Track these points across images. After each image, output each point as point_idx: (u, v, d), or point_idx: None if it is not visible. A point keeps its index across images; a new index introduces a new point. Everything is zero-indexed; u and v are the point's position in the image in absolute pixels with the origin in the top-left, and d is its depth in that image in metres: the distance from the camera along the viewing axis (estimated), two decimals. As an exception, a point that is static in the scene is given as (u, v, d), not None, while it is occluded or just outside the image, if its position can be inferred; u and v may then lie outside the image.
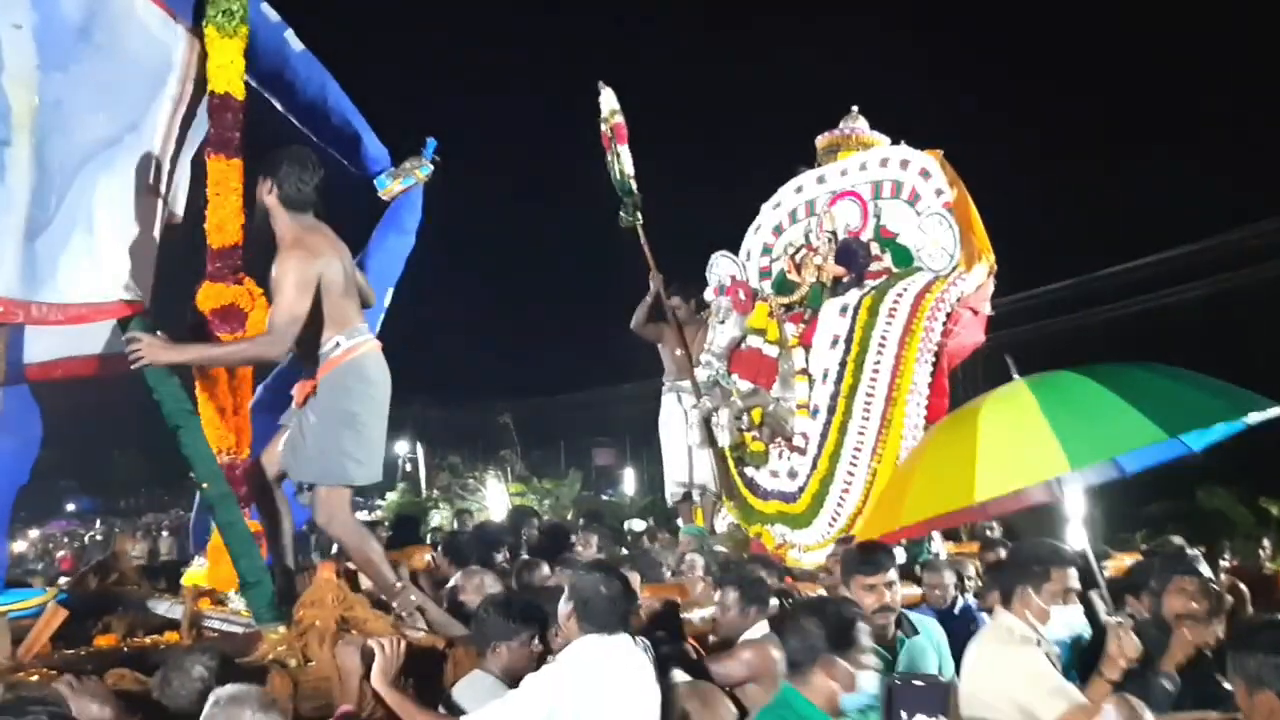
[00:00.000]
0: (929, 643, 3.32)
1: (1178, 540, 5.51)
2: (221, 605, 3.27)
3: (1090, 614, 3.13)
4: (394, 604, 3.08)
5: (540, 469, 18.26)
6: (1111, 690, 2.58)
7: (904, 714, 1.96)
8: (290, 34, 3.71)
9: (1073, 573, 2.76)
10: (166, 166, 3.39)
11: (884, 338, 5.19)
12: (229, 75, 3.35)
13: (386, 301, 4.11)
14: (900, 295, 5.23)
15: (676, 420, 6.25)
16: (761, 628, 3.32)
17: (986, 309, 5.46)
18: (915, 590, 4.24)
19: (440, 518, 15.04)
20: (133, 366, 3.01)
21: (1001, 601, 2.85)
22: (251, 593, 2.99)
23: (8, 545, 3.61)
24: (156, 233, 3.36)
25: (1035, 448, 2.62)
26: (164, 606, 3.38)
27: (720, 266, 6.16)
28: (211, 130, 3.39)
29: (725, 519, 5.98)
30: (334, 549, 4.92)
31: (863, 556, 3.15)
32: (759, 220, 6.18)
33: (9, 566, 3.59)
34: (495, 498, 15.28)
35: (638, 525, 7.68)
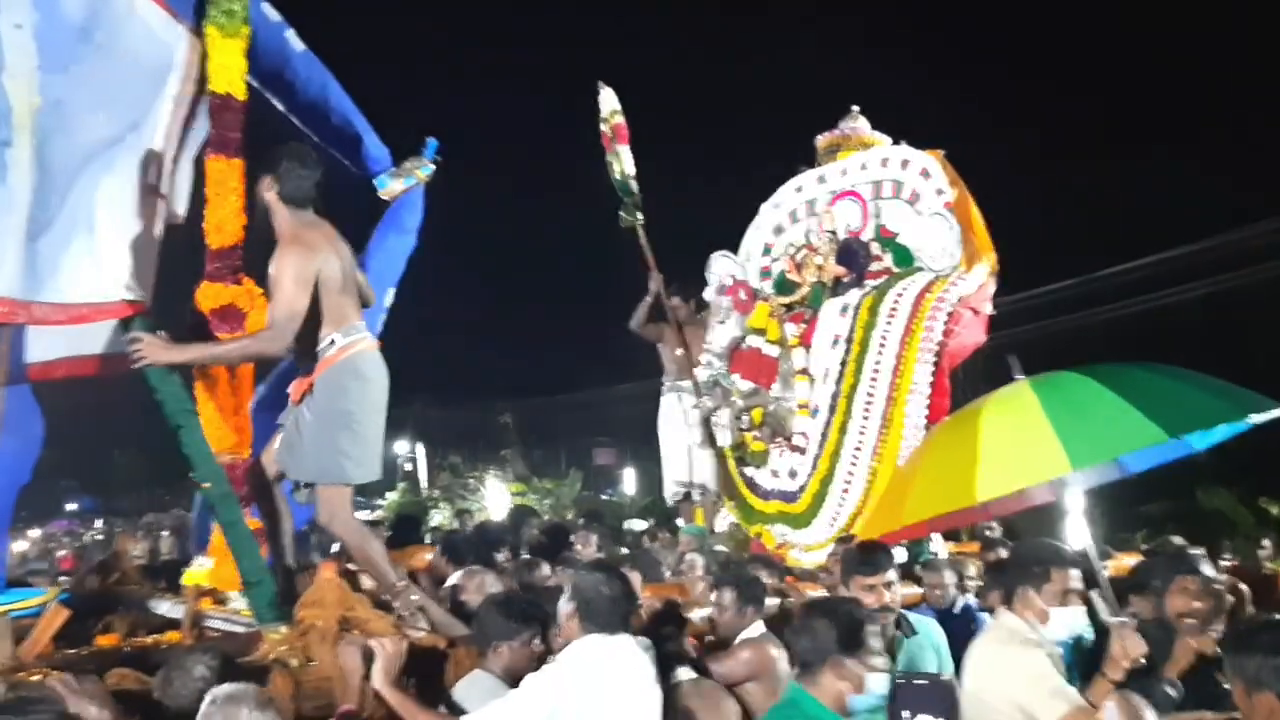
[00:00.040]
0: (928, 643, 3.32)
1: (1178, 540, 5.52)
2: (223, 605, 3.28)
3: (1091, 614, 3.13)
4: (395, 603, 3.08)
5: (540, 469, 18.29)
6: (1114, 691, 2.58)
7: (907, 713, 1.96)
8: (291, 34, 3.72)
9: (1075, 573, 2.75)
10: (168, 166, 3.39)
11: (884, 337, 5.19)
12: (230, 75, 3.36)
13: (388, 301, 4.11)
14: (901, 295, 5.23)
15: (676, 420, 6.26)
16: (758, 627, 3.33)
17: (987, 309, 5.45)
18: (915, 590, 4.24)
19: (440, 517, 15.06)
20: (134, 366, 3.01)
21: (1004, 602, 2.85)
22: (253, 592, 2.99)
23: (8, 545, 3.61)
24: (158, 233, 3.36)
25: (1037, 448, 2.62)
26: (165, 606, 3.38)
27: (720, 266, 6.16)
28: (212, 130, 3.40)
29: (725, 519, 5.98)
30: (334, 548, 4.93)
31: (862, 557, 3.16)
32: (759, 220, 6.18)
33: (10, 566, 3.60)
34: (496, 497, 15.29)
35: (638, 525, 7.68)
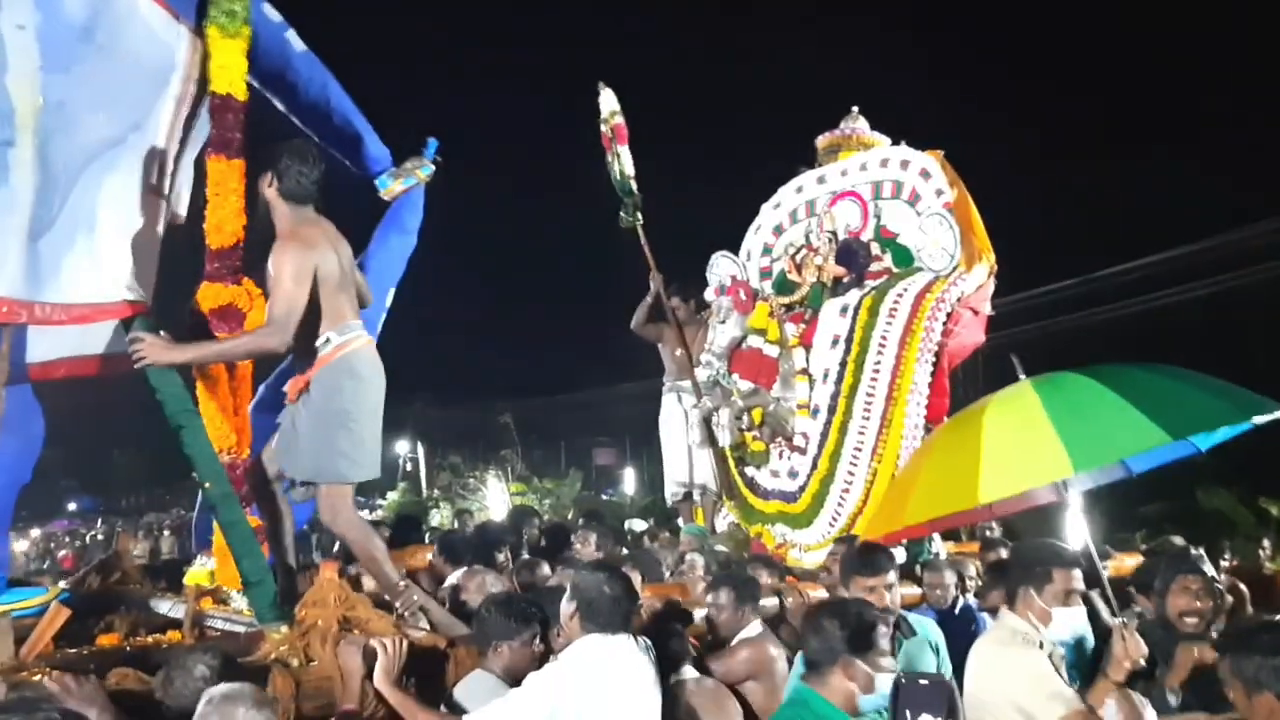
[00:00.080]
0: (927, 643, 3.33)
1: (1179, 540, 5.52)
2: (224, 605, 3.28)
3: (1092, 615, 3.14)
4: (396, 603, 3.09)
5: (541, 469, 18.27)
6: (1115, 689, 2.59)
7: (909, 713, 1.97)
8: (292, 34, 3.72)
9: (1077, 574, 2.75)
10: (169, 167, 3.39)
11: (884, 338, 5.19)
12: (231, 76, 3.36)
13: (388, 302, 4.11)
14: (901, 295, 5.23)
15: (677, 420, 6.26)
16: (756, 626, 3.35)
17: (987, 309, 5.46)
18: (915, 590, 4.24)
19: (440, 517, 15.06)
20: (135, 366, 3.01)
21: (1006, 602, 2.86)
22: (254, 592, 2.99)
23: (9, 544, 3.61)
24: (159, 233, 3.36)
25: (1040, 450, 2.61)
26: (166, 606, 3.39)
27: (721, 266, 6.16)
28: (213, 130, 3.40)
29: (726, 518, 5.98)
30: (335, 548, 4.93)
31: (863, 558, 3.16)
32: (759, 220, 6.19)
33: (10, 566, 3.60)
34: (496, 497, 15.29)
35: (638, 525, 7.68)
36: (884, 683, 2.19)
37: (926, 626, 3.45)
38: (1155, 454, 3.03)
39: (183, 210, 3.57)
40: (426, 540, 5.76)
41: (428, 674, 2.77)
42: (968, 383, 5.82)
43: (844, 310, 5.42)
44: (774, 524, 5.46)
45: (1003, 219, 5.54)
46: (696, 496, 6.26)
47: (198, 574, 3.49)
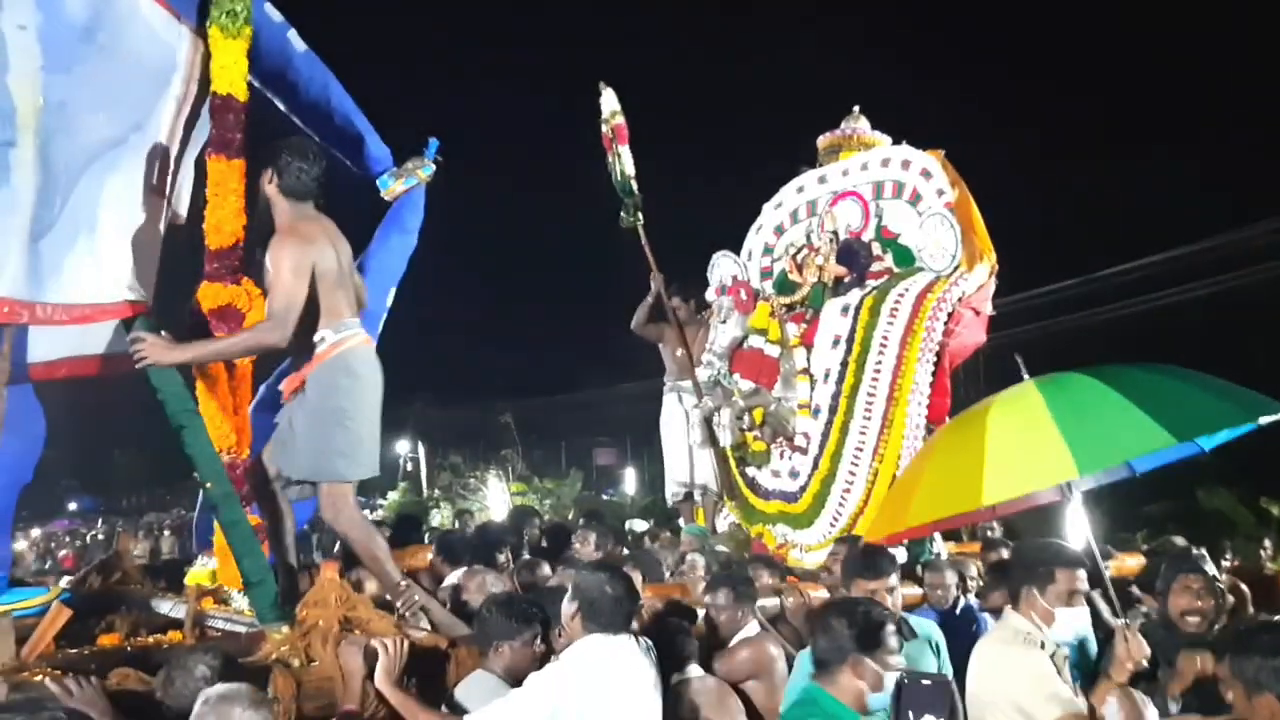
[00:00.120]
0: (928, 645, 3.33)
1: (1180, 540, 5.52)
2: (225, 605, 3.28)
3: (1095, 614, 3.13)
4: (397, 603, 3.08)
5: (541, 469, 18.28)
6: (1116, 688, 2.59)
7: (912, 713, 1.97)
8: (293, 34, 3.72)
9: (1080, 574, 2.75)
10: (170, 167, 3.39)
11: (885, 337, 5.19)
12: (232, 76, 3.36)
13: (389, 301, 4.11)
14: (902, 295, 5.23)
15: (677, 420, 6.25)
16: (754, 626, 3.36)
17: (988, 309, 5.46)
18: (917, 590, 4.24)
19: (441, 517, 15.06)
20: (136, 367, 3.01)
21: (1010, 602, 2.86)
22: (255, 592, 2.99)
23: (10, 544, 3.61)
24: (160, 233, 3.36)
25: (1043, 452, 2.60)
26: (167, 606, 3.39)
27: (722, 266, 6.16)
28: (213, 131, 3.40)
29: (727, 519, 5.98)
30: (336, 548, 4.93)
31: (865, 561, 3.17)
32: (760, 220, 6.19)
33: (19, 565, 3.60)
34: (496, 497, 15.30)
35: (639, 525, 7.67)
36: (893, 680, 2.21)
37: (927, 627, 3.45)
38: (1159, 454, 3.03)
39: (183, 210, 3.57)
40: (426, 540, 5.76)
41: (429, 674, 2.77)
42: (969, 383, 5.82)
43: (845, 310, 5.41)
44: (775, 524, 5.46)
45: (1003, 219, 5.54)
46: (697, 497, 6.26)
47: (199, 574, 3.49)
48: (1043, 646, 2.67)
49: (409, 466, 23.00)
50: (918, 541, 4.70)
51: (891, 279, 5.41)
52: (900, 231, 5.51)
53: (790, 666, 3.24)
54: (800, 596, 3.99)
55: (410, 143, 4.12)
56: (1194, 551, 4.07)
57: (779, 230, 6.10)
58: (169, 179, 3.40)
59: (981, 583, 4.38)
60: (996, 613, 3.84)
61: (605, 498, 18.53)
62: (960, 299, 5.20)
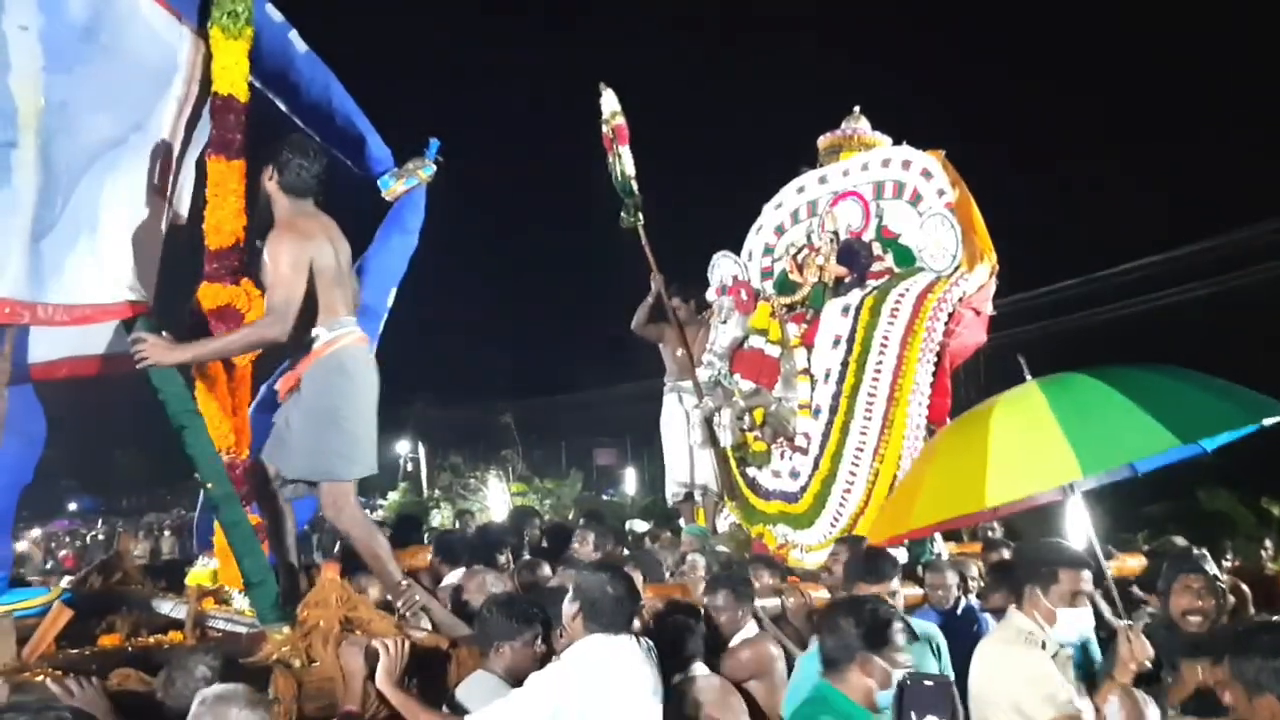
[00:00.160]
0: (929, 647, 3.33)
1: (1181, 540, 5.51)
2: (225, 605, 3.28)
3: (1097, 615, 3.13)
4: (397, 602, 3.09)
5: (541, 469, 18.29)
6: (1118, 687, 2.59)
7: (914, 714, 1.97)
8: (294, 35, 3.72)
9: (1085, 575, 2.74)
10: (171, 167, 3.39)
11: (886, 338, 5.19)
12: (232, 77, 3.36)
13: (390, 302, 4.11)
14: (902, 295, 5.23)
15: (678, 420, 6.25)
16: (752, 627, 3.37)
17: (988, 309, 5.46)
18: (917, 591, 4.24)
19: (441, 518, 15.07)
20: (138, 367, 3.01)
21: (1014, 601, 2.86)
22: (256, 592, 2.99)
23: (10, 544, 3.61)
24: (160, 234, 3.37)
25: (1047, 453, 2.60)
26: (168, 606, 3.39)
27: (722, 266, 6.17)
28: (213, 131, 3.40)
29: (727, 519, 5.98)
30: (336, 549, 4.93)
31: (867, 564, 3.18)
32: (761, 220, 6.19)
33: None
34: (496, 498, 15.30)
35: (639, 526, 7.67)
36: (900, 678, 2.23)
37: (928, 629, 3.45)
38: (1162, 454, 3.02)
39: (184, 211, 3.57)
40: (426, 541, 5.76)
41: (430, 675, 2.77)
42: (969, 383, 5.83)
43: (846, 310, 5.42)
44: (775, 524, 5.46)
45: (1003, 219, 5.54)
46: (698, 497, 6.26)
47: (200, 574, 3.49)
48: (1043, 646, 2.67)
49: (409, 467, 23.01)
50: (918, 542, 4.70)
51: (892, 279, 5.41)
52: (901, 232, 5.52)
53: (789, 666, 3.25)
54: (801, 597, 3.99)
55: (411, 143, 4.13)
56: (1195, 551, 4.07)
57: (779, 230, 6.11)
58: (170, 179, 3.40)
59: (982, 583, 4.38)
60: (997, 613, 3.84)
61: (605, 498, 18.53)
62: (961, 299, 5.21)
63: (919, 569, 4.41)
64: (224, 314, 3.33)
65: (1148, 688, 2.72)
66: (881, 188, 5.63)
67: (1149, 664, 2.62)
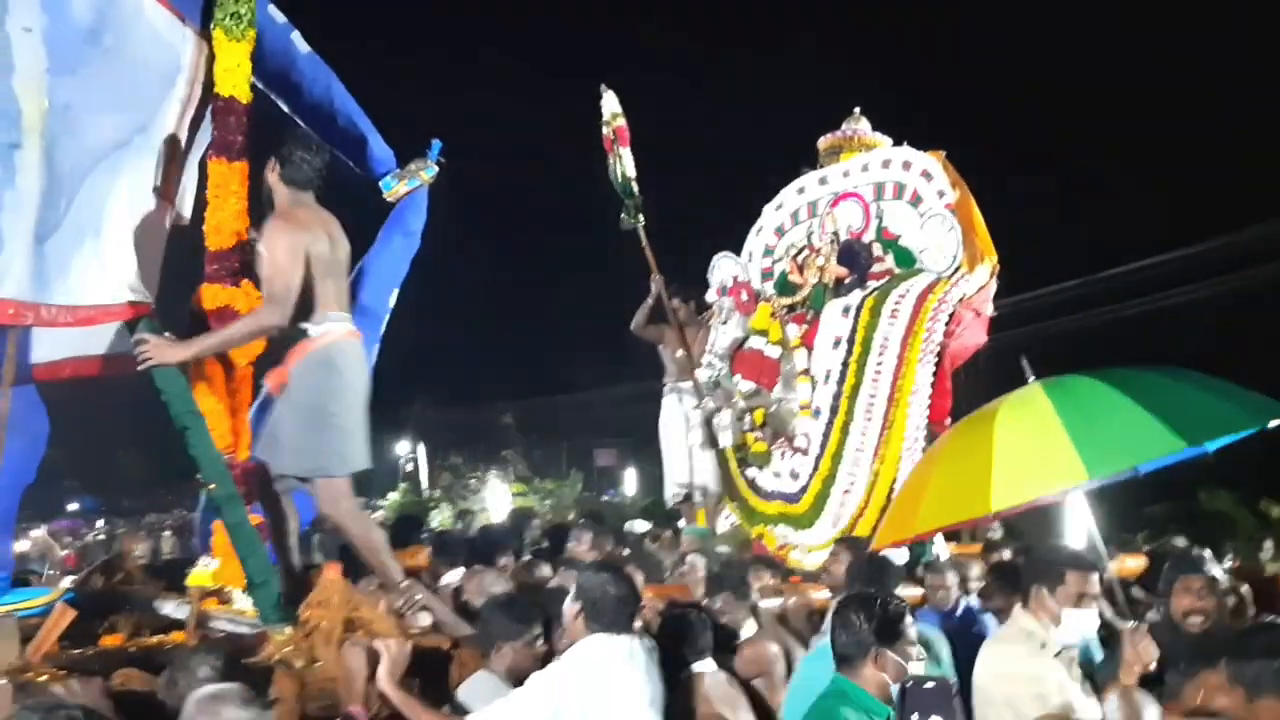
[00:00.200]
0: (930, 648, 3.34)
1: (1181, 541, 5.52)
2: (227, 605, 3.28)
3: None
4: (395, 598, 3.09)
5: (542, 470, 18.27)
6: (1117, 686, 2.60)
7: (917, 716, 1.98)
8: (296, 35, 3.73)
9: (1093, 577, 2.75)
10: (174, 169, 3.40)
11: (886, 339, 5.20)
12: (235, 78, 3.37)
13: (392, 303, 4.12)
14: (902, 296, 5.24)
15: (677, 421, 6.26)
16: (752, 626, 3.38)
17: (989, 310, 5.48)
18: (917, 591, 4.24)
19: (441, 518, 15.06)
20: (141, 368, 3.02)
21: (1021, 602, 2.87)
22: (258, 593, 3.00)
23: (11, 544, 3.62)
24: (163, 235, 3.38)
25: (1052, 456, 2.59)
26: (170, 606, 3.39)
27: (722, 268, 6.18)
28: (215, 133, 3.41)
29: (727, 519, 5.99)
30: (338, 549, 4.94)
31: (870, 571, 3.20)
32: (761, 221, 6.20)
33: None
34: (497, 498, 15.30)
35: (639, 526, 7.68)
36: (914, 670, 2.29)
37: (928, 632, 3.46)
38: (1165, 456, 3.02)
39: (187, 212, 3.58)
40: (425, 541, 5.76)
41: (431, 675, 2.78)
42: (969, 384, 5.82)
43: (846, 311, 5.42)
44: (776, 525, 5.47)
45: (1003, 219, 5.55)
46: (698, 498, 6.26)
47: (201, 575, 3.49)
48: (1044, 647, 2.68)
49: (409, 467, 22.98)
50: (919, 542, 4.70)
51: (892, 280, 5.42)
52: (901, 233, 5.53)
53: (789, 667, 3.27)
54: (802, 597, 4.00)
55: (412, 143, 4.13)
56: (1195, 552, 4.07)
57: (780, 231, 6.12)
58: (173, 181, 3.41)
59: (983, 584, 4.39)
60: (998, 613, 3.85)
61: (606, 499, 18.53)
62: (961, 300, 5.22)
63: (919, 569, 4.41)
64: (224, 315, 3.34)
65: (1150, 689, 2.72)
66: (882, 189, 5.64)
67: (1153, 665, 2.63)
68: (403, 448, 23.55)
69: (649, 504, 13.94)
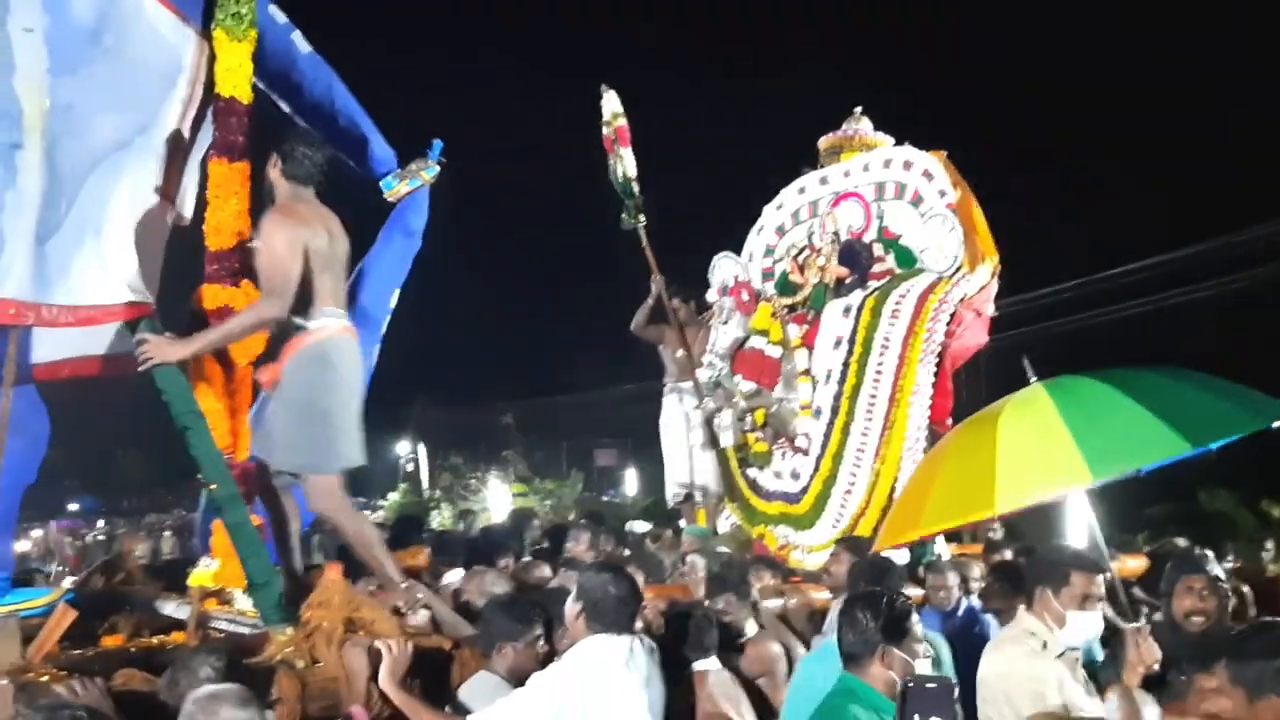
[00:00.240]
0: (931, 650, 3.34)
1: (1182, 541, 5.52)
2: (228, 605, 3.28)
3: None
4: (391, 592, 3.10)
5: (542, 470, 18.30)
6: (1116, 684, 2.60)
7: (918, 716, 1.97)
8: (298, 35, 3.73)
9: (1098, 579, 2.74)
10: (176, 169, 3.41)
11: (887, 339, 5.20)
12: (236, 79, 3.37)
13: (393, 303, 4.12)
14: (903, 296, 5.24)
15: (678, 421, 6.26)
16: (753, 625, 3.40)
17: (990, 310, 5.47)
18: (918, 592, 4.24)
19: (442, 518, 15.07)
20: (143, 368, 3.02)
21: (1025, 603, 2.87)
22: (259, 593, 2.99)
23: (12, 545, 3.62)
24: (164, 235, 3.38)
25: (1056, 458, 2.58)
26: (171, 607, 3.39)
27: (723, 267, 6.17)
28: (216, 133, 3.41)
29: (728, 520, 5.99)
30: (339, 550, 4.94)
31: (871, 575, 3.20)
32: (762, 221, 6.20)
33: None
34: (497, 498, 15.31)
35: (639, 526, 7.69)
36: (922, 668, 2.31)
37: (931, 637, 3.46)
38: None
39: (188, 213, 3.58)
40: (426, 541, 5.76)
41: (433, 675, 2.78)
42: (970, 384, 5.83)
43: (846, 311, 5.42)
44: (776, 525, 5.47)
45: (1003, 219, 5.54)
46: (698, 498, 6.26)
47: (202, 575, 3.49)
48: (1045, 647, 2.67)
49: (409, 467, 23.00)
50: (919, 543, 4.70)
51: (893, 280, 5.42)
52: (902, 232, 5.52)
53: (791, 666, 3.27)
54: (803, 597, 4.00)
55: (413, 143, 4.13)
56: (1197, 552, 4.07)
57: (781, 231, 6.11)
58: (174, 181, 3.41)
59: (984, 584, 4.39)
60: (999, 614, 3.85)
61: (606, 499, 18.55)
62: (962, 300, 5.21)
63: (920, 570, 4.41)
64: (224, 315, 3.34)
65: (1152, 690, 2.72)
66: (883, 188, 5.64)
67: (1157, 666, 2.62)
68: (403, 448, 23.58)
69: (649, 504, 13.95)
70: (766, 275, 6.10)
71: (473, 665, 2.82)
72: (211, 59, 3.39)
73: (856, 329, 5.32)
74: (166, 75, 3.31)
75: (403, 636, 2.72)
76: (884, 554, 3.51)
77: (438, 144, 4.08)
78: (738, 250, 6.21)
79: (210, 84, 3.41)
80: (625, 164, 5.99)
